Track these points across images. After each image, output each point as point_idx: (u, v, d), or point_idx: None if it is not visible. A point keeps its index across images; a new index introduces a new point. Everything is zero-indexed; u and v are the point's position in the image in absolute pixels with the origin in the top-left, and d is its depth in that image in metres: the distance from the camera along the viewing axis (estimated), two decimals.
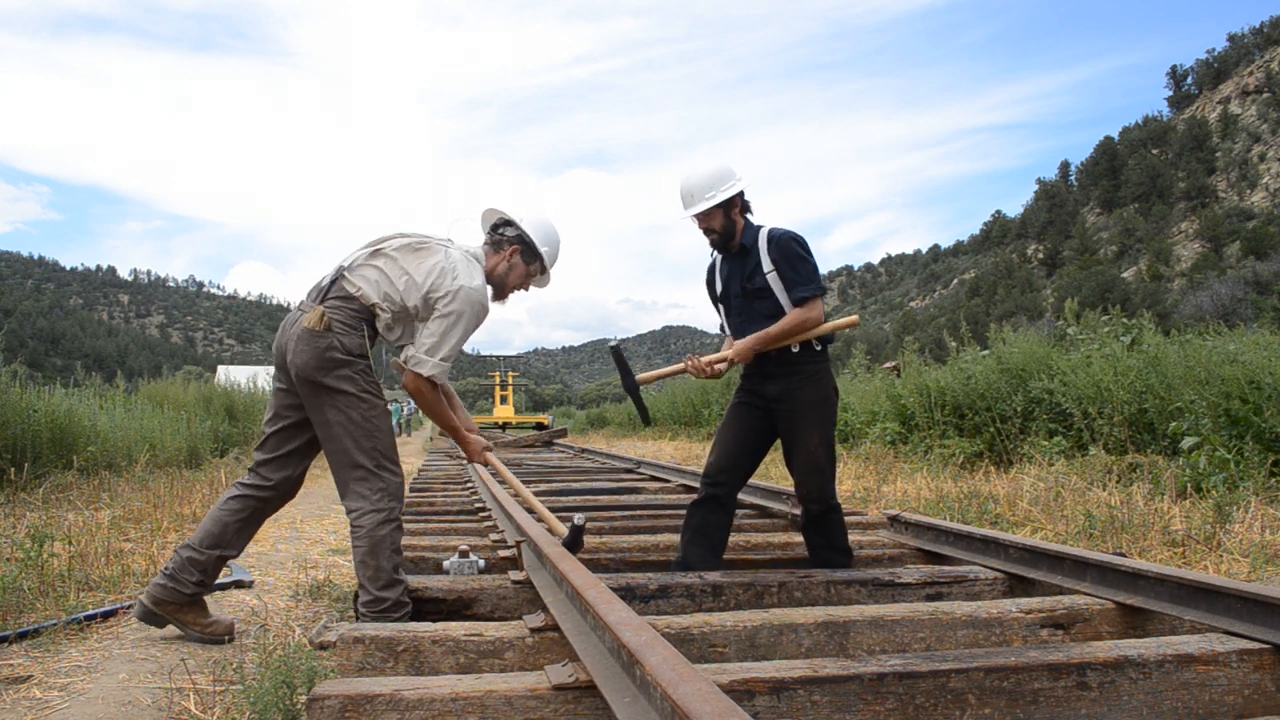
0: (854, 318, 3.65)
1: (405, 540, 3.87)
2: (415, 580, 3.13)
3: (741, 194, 3.46)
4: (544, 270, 3.35)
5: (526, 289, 3.38)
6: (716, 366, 3.40)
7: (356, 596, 3.00)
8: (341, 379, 2.96)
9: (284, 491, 3.23)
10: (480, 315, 3.10)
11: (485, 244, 3.31)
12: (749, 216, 3.51)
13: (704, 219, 3.45)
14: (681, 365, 3.49)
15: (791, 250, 3.35)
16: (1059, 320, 10.29)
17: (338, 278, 3.07)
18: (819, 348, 3.42)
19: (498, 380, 28.73)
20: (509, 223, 3.29)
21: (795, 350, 3.39)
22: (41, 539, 3.86)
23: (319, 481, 10.44)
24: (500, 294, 3.31)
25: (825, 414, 3.40)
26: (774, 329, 3.34)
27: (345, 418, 2.97)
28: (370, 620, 2.87)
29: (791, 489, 3.91)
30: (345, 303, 3.02)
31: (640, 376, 3.61)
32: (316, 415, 3.02)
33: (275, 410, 3.19)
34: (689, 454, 13.37)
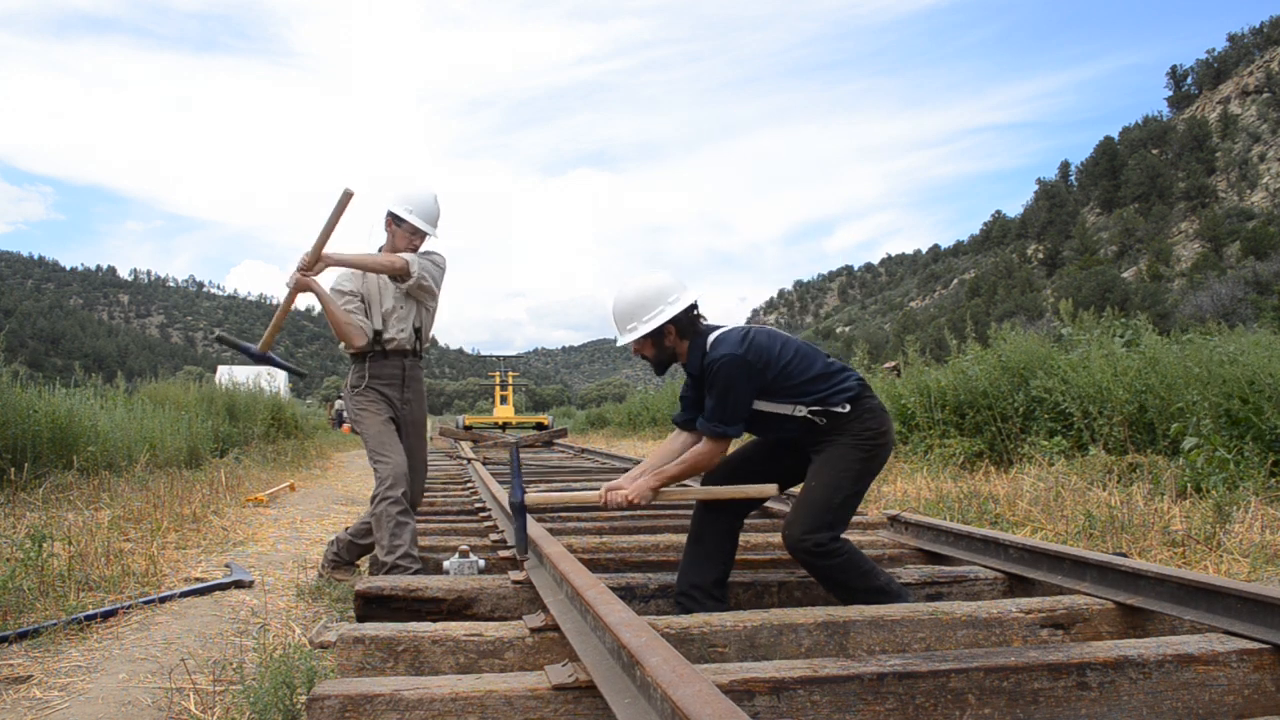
0: (772, 487, 3.10)
1: None
2: (415, 580, 3.13)
3: (680, 316, 3.03)
4: (415, 229, 3.99)
5: (414, 246, 4.04)
6: (619, 500, 3.10)
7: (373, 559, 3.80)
8: (347, 402, 4.10)
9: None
10: (338, 281, 4.06)
11: None
12: (705, 324, 3.12)
13: (636, 346, 3.12)
14: (595, 496, 3.18)
15: (711, 379, 2.98)
16: (1057, 320, 10.28)
17: None
18: (846, 409, 2.97)
19: (498, 380, 28.68)
20: None
21: (822, 424, 3.00)
22: (41, 539, 3.86)
23: (319, 481, 10.45)
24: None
25: (849, 464, 2.96)
26: (672, 468, 3.07)
27: (356, 430, 4.05)
28: (382, 574, 3.53)
29: (793, 489, 3.76)
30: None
31: (547, 498, 3.37)
32: None
33: None
34: None
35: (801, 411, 3.00)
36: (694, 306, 3.09)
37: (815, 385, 3.00)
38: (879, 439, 3.01)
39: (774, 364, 2.99)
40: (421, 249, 4.07)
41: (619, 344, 3.13)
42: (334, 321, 3.92)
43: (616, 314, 3.11)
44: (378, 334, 4.02)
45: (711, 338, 3.05)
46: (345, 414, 4.19)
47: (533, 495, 3.29)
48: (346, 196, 3.66)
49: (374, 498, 3.83)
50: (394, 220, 4.01)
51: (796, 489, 3.19)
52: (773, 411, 3.05)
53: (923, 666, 2.03)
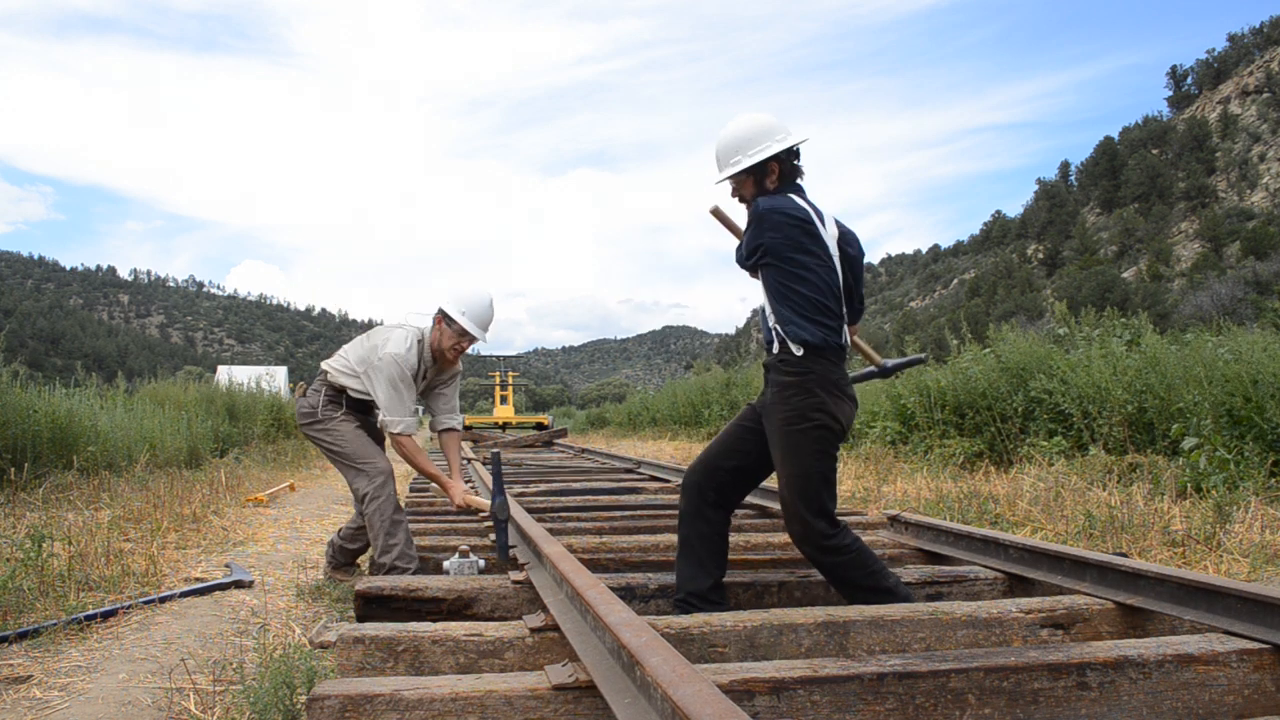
0: None
1: None
2: (415, 580, 3.13)
3: (779, 157, 2.98)
4: (464, 331, 3.95)
5: (461, 347, 4.01)
6: None
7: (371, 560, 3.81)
8: (310, 422, 4.05)
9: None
10: (393, 370, 3.88)
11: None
12: (801, 182, 3.06)
13: (733, 186, 3.08)
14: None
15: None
16: (1055, 320, 10.29)
17: (322, 371, 4.17)
18: (799, 352, 2.88)
19: (498, 380, 28.67)
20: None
21: (775, 351, 2.96)
22: (41, 539, 3.86)
23: (319, 481, 10.45)
24: (440, 356, 4.05)
25: (796, 442, 2.87)
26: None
27: (324, 446, 4.04)
28: (381, 574, 3.54)
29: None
30: (318, 378, 4.18)
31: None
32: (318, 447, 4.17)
33: None
34: (689, 454, 13.38)
35: (771, 320, 2.97)
36: (798, 154, 3.06)
37: (795, 304, 2.92)
38: (818, 414, 2.87)
39: (787, 245, 2.92)
40: (467, 350, 4.06)
41: (717, 181, 3.07)
42: (426, 472, 4.07)
43: (721, 147, 3.05)
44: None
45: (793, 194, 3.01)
46: (313, 423, 4.08)
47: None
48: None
49: (364, 498, 3.84)
50: (444, 319, 3.96)
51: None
52: (765, 296, 3.01)
53: (923, 666, 2.03)
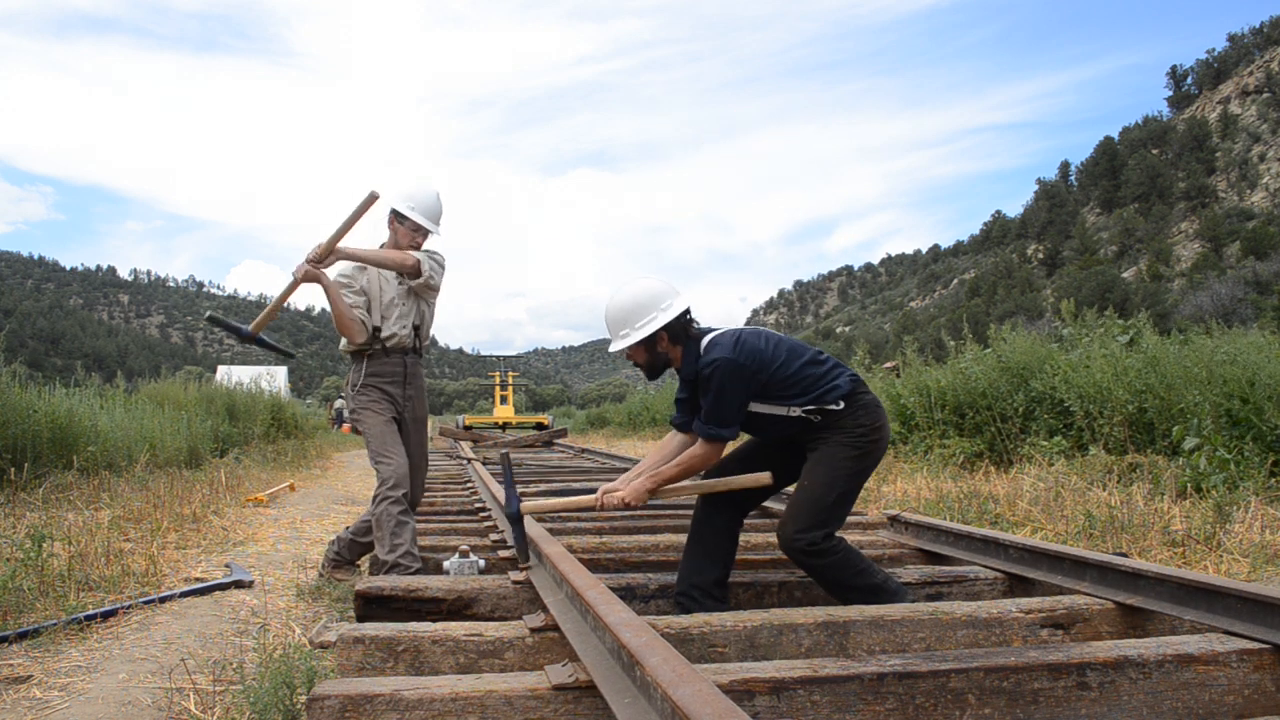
0: (765, 475, 3.12)
1: None
2: (415, 580, 3.13)
3: (673, 323, 3.03)
4: (417, 226, 3.97)
5: (417, 243, 4.01)
6: (615, 501, 3.15)
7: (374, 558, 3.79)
8: (351, 410, 4.09)
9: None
10: (341, 274, 4.00)
11: None
12: (698, 328, 3.12)
13: (629, 353, 3.12)
14: (591, 499, 3.22)
15: (705, 383, 3.00)
16: (1057, 320, 10.29)
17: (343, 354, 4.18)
18: (840, 406, 2.98)
19: (498, 380, 28.68)
20: None
21: (818, 420, 3.02)
22: (41, 539, 3.86)
23: (319, 481, 10.45)
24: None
25: (842, 461, 2.97)
26: (668, 470, 3.10)
27: (360, 432, 4.04)
28: (380, 574, 3.54)
29: (789, 488, 3.75)
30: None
31: (543, 505, 3.35)
32: None
33: None
34: None
35: (796, 411, 3.03)
36: (687, 312, 3.09)
37: (807, 385, 3.02)
38: (873, 434, 3.02)
39: (767, 367, 3.01)
40: (424, 246, 4.05)
41: (611, 350, 3.15)
42: (338, 315, 3.88)
43: (609, 320, 3.12)
44: (376, 331, 4.01)
45: (705, 341, 3.06)
46: (347, 413, 4.17)
47: (528, 504, 3.32)
48: (371, 198, 3.69)
49: (375, 498, 3.85)
50: (396, 218, 3.98)
51: (792, 487, 3.19)
52: (768, 413, 3.07)
53: (923, 666, 2.03)
